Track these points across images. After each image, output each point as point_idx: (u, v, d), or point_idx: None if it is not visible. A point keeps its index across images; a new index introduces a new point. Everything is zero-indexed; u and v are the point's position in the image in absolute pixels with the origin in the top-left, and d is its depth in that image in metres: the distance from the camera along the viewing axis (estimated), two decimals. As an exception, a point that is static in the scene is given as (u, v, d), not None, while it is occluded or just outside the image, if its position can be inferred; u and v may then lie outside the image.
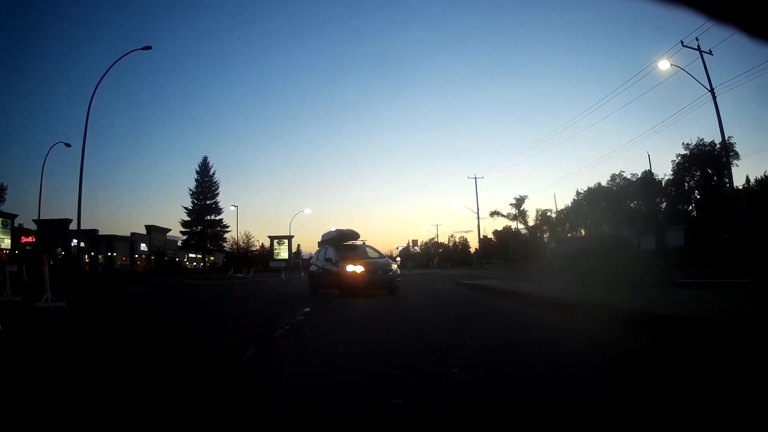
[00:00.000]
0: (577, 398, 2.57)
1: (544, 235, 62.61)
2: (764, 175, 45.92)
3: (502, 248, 67.47)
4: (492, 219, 63.00)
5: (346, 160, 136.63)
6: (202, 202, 60.11)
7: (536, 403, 2.53)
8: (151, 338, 5.71)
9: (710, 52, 23.26)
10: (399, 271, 12.25)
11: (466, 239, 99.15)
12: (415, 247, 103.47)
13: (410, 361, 3.72)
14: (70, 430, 2.31)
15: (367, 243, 14.29)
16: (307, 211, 65.34)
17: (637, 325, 4.77)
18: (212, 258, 68.11)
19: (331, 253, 12.51)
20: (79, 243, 24.96)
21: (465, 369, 3.39)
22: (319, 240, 15.70)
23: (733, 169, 33.74)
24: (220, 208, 60.69)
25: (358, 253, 12.48)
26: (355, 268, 11.23)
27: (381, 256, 13.14)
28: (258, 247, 71.42)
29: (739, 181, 42.77)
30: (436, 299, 10.81)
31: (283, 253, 73.20)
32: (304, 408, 2.55)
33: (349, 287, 11.05)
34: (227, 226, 61.95)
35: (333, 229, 14.29)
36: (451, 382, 3.06)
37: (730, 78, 28.66)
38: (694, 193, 43.89)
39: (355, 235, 13.76)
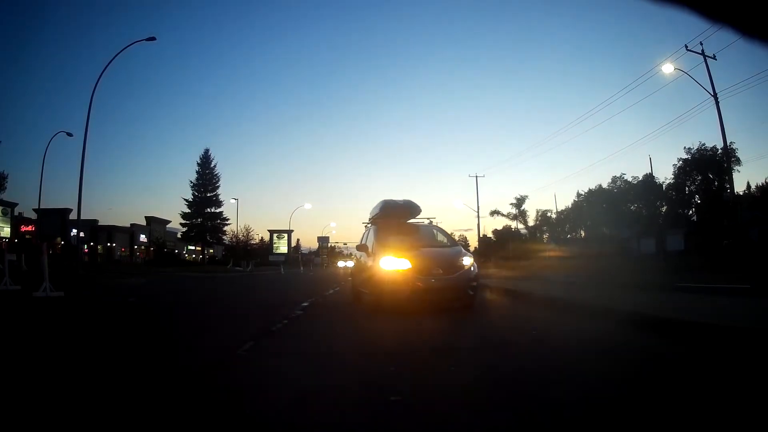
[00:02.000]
0: (574, 399, 2.57)
1: (544, 236, 62.62)
2: (765, 181, 46.05)
3: (502, 248, 67.45)
4: (492, 218, 63.05)
5: (347, 157, 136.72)
6: (203, 195, 60.08)
7: (535, 403, 2.53)
8: (149, 331, 5.72)
9: (714, 57, 23.21)
10: (476, 269, 7.31)
11: (465, 238, 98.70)
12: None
13: (408, 359, 3.72)
14: (60, 424, 2.31)
15: (435, 222, 9.16)
16: (307, 206, 65.25)
17: (636, 327, 4.76)
18: (212, 251, 68.09)
19: (370, 236, 8.40)
20: (78, 233, 24.87)
21: (464, 367, 3.39)
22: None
23: (734, 175, 33.71)
24: (221, 201, 60.73)
25: (413, 237, 8.08)
26: (396, 264, 6.76)
27: (451, 242, 8.33)
28: (257, 241, 71.46)
29: (740, 187, 42.95)
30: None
31: (282, 247, 73.29)
32: (299, 402, 2.54)
33: (386, 295, 6.72)
34: (227, 219, 62.02)
35: (380, 200, 9.14)
36: (450, 380, 3.05)
37: (734, 83, 28.55)
38: (694, 198, 43.84)
39: (410, 209, 8.90)
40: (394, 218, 8.77)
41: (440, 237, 8.52)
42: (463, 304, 6.87)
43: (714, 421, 2.22)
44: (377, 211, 8.98)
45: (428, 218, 9.19)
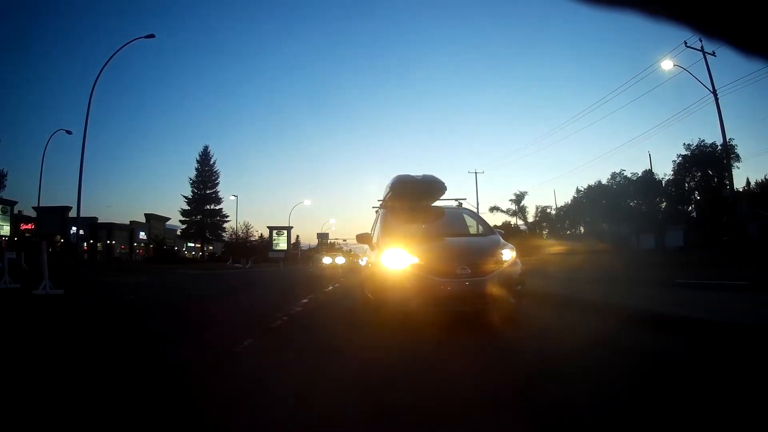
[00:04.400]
0: (577, 397, 2.56)
1: (544, 232, 62.60)
2: (765, 178, 46.03)
3: (501, 244, 67.03)
4: (492, 214, 62.97)
5: (347, 153, 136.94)
6: (202, 192, 60.12)
7: (535, 401, 2.52)
8: (148, 329, 5.71)
9: (713, 54, 23.17)
10: (519, 266, 5.47)
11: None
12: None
13: (408, 357, 3.71)
14: (56, 421, 2.31)
15: (465, 205, 7.59)
16: (307, 202, 65.67)
17: (636, 324, 4.77)
18: (211, 248, 68.10)
19: (377, 224, 7.04)
20: (78, 230, 24.88)
21: (464, 367, 3.38)
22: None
23: (734, 171, 33.68)
24: (220, 198, 60.81)
25: (434, 224, 6.63)
26: (406, 260, 5.10)
27: (486, 230, 6.49)
28: (257, 238, 71.43)
29: (739, 183, 42.94)
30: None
31: (282, 243, 73.21)
32: (298, 400, 2.54)
33: (391, 303, 5.04)
34: (227, 216, 62.10)
35: (393, 176, 6.96)
36: (450, 379, 3.05)
37: (733, 80, 28.52)
38: (694, 194, 43.76)
39: (431, 188, 6.80)
40: (410, 200, 6.82)
41: (472, 224, 6.81)
42: (500, 315, 5.17)
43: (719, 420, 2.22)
44: (389, 190, 6.98)
45: (456, 199, 7.50)
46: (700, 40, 22.77)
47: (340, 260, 34.85)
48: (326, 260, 35.80)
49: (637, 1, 0.53)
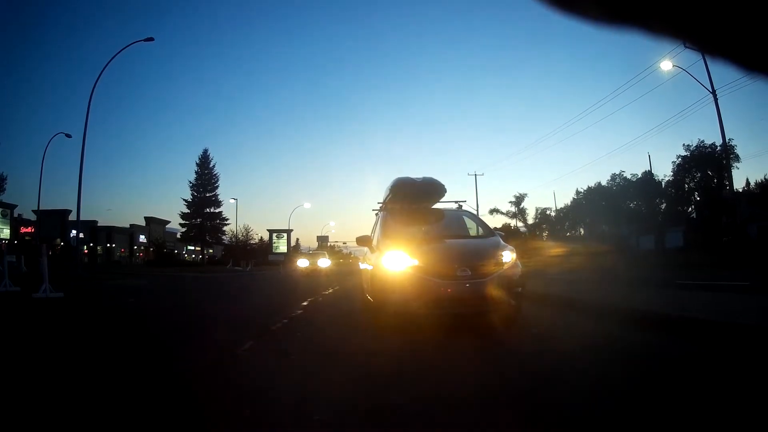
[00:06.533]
0: (576, 397, 2.57)
1: (544, 234, 62.61)
2: (764, 178, 45.98)
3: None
4: (491, 216, 62.99)
5: (346, 155, 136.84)
6: (202, 195, 60.11)
7: (535, 399, 2.53)
8: (148, 332, 5.71)
9: (713, 54, 23.19)
10: (519, 268, 5.45)
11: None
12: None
13: (408, 359, 3.71)
14: (60, 424, 2.31)
15: (464, 207, 7.59)
16: (307, 205, 65.54)
17: (636, 325, 4.77)
18: (211, 251, 68.10)
19: (376, 227, 7.00)
20: (78, 234, 24.88)
21: (464, 368, 3.39)
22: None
23: (734, 172, 33.71)
24: (220, 201, 60.80)
25: (434, 227, 6.60)
26: (406, 262, 5.08)
27: (486, 232, 6.45)
28: (257, 241, 71.46)
29: (739, 184, 42.93)
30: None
31: (282, 246, 73.24)
32: (300, 402, 2.54)
33: (392, 305, 5.02)
34: (226, 219, 62.08)
35: (394, 178, 6.94)
36: (450, 381, 3.05)
37: (733, 80, 28.46)
38: (693, 195, 43.82)
39: (431, 190, 6.85)
40: (410, 202, 6.83)
41: (471, 226, 6.86)
42: (500, 317, 5.16)
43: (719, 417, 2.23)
44: (388, 192, 6.97)
45: (456, 201, 7.48)
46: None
47: (324, 262, 27.67)
48: (302, 263, 28.32)
49: (639, 19, 0.55)
